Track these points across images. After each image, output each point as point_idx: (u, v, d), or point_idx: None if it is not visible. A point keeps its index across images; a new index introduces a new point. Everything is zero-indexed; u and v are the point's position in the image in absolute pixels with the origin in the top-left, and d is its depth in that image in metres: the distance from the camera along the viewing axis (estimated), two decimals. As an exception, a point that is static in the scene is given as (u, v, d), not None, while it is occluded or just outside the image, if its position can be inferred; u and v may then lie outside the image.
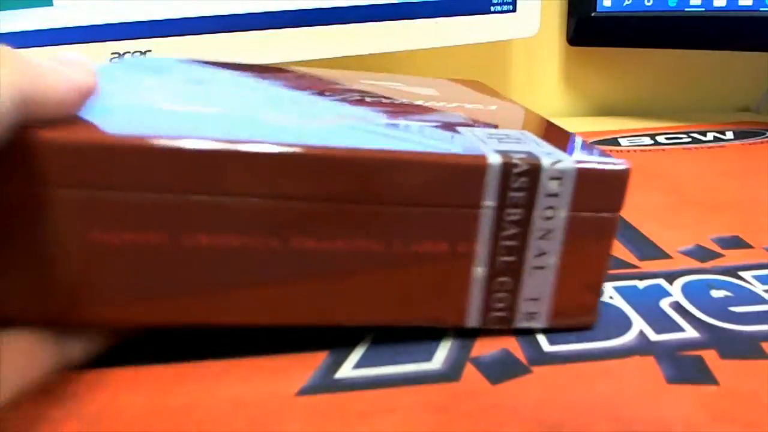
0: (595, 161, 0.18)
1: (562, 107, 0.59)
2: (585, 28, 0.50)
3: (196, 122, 0.18)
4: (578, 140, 0.22)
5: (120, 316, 0.17)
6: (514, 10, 0.44)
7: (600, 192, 0.18)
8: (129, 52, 0.45)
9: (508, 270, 0.19)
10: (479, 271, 0.19)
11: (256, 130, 0.18)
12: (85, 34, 0.45)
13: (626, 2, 0.47)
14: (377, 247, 0.18)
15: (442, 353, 0.19)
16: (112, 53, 0.45)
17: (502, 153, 0.18)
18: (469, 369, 0.18)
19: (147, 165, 0.16)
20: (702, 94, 0.59)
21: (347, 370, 0.18)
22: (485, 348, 0.19)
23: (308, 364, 0.19)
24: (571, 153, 0.19)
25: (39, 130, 0.15)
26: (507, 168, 0.17)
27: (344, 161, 0.17)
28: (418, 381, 0.18)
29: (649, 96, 0.58)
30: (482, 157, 0.17)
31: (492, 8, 0.43)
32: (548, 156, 0.18)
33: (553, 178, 0.18)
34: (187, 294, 0.17)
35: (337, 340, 0.20)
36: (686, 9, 0.45)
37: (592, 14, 0.49)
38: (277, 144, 0.16)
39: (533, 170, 0.18)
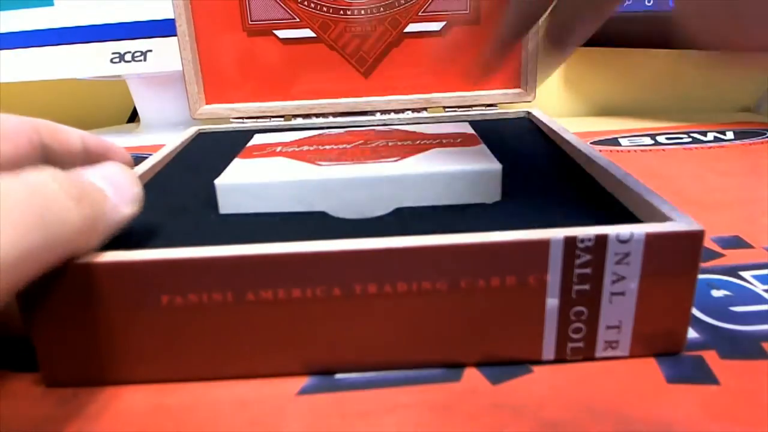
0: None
1: (562, 107, 0.59)
2: (585, 28, 0.50)
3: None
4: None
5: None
6: (514, 10, 0.44)
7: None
8: (129, 52, 0.45)
9: (583, 299, 0.17)
10: (552, 302, 0.17)
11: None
12: (85, 34, 0.45)
13: (626, 2, 0.47)
14: (441, 287, 0.17)
15: (443, 353, 0.19)
16: (113, 53, 0.45)
17: None
18: (470, 369, 0.18)
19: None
20: (702, 94, 0.59)
21: (347, 369, 0.18)
22: (485, 348, 0.19)
23: (308, 364, 0.19)
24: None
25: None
26: None
27: None
28: (418, 381, 0.18)
29: (649, 96, 0.58)
30: None
31: (492, 8, 0.43)
32: None
33: None
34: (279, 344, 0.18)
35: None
36: (686, 9, 0.45)
37: (592, 14, 0.48)
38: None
39: None
